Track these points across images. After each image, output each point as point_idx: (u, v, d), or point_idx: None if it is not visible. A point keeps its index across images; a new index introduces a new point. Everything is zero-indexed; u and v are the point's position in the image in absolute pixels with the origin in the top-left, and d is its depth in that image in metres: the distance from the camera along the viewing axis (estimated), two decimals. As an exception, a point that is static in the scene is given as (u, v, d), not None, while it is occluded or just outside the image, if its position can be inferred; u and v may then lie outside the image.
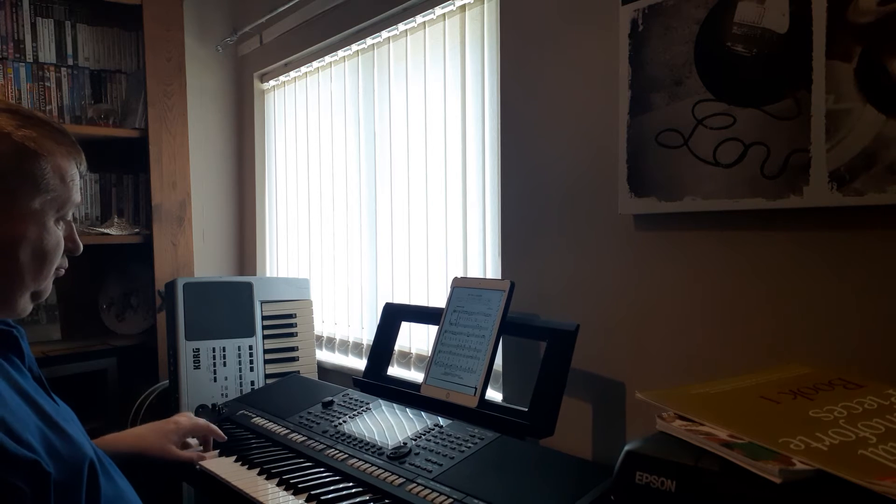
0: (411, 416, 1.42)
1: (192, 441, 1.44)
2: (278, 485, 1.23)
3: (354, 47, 2.16)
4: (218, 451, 1.44)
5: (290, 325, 2.14)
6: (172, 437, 1.37)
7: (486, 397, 1.39)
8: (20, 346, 0.97)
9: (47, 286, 1.00)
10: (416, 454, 1.24)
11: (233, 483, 1.26)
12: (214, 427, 1.45)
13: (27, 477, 0.82)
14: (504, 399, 1.58)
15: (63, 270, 1.03)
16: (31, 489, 0.82)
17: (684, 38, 1.18)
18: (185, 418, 1.46)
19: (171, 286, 2.02)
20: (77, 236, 1.04)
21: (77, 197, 1.01)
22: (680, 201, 1.20)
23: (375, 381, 1.62)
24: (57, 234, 0.99)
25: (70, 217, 1.02)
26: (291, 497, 1.18)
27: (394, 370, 1.91)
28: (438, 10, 1.82)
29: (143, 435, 1.37)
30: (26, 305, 0.99)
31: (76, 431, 0.95)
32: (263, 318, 2.10)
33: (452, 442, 1.26)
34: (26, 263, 0.95)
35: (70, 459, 0.89)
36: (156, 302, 2.37)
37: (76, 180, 1.00)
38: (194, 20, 2.68)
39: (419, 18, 1.89)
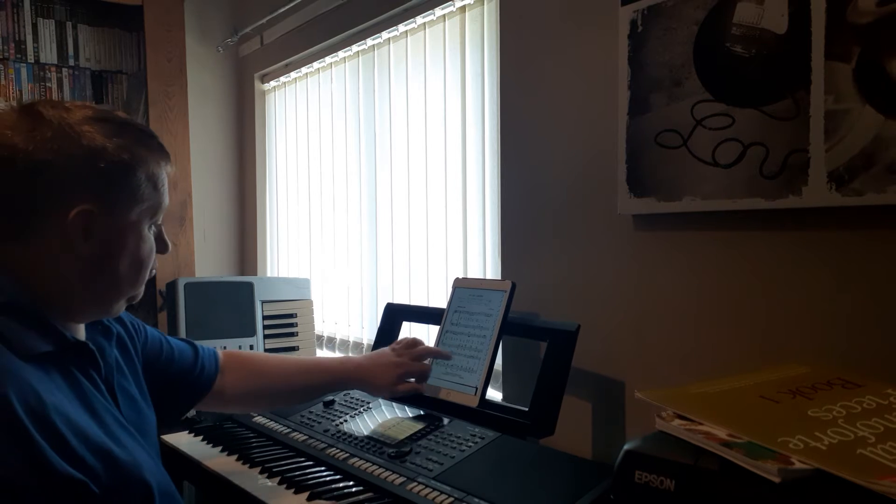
0: (412, 415, 1.43)
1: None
2: (279, 483, 1.23)
3: (355, 48, 2.17)
4: (220, 447, 1.44)
5: (291, 325, 2.14)
6: (402, 380, 1.40)
7: (487, 397, 1.39)
8: (96, 358, 0.95)
9: (142, 290, 1.01)
10: (417, 453, 1.25)
11: (234, 481, 1.26)
12: (427, 369, 1.44)
13: (73, 499, 0.80)
14: (504, 399, 1.59)
15: (155, 271, 1.03)
16: None
17: (683, 38, 1.18)
18: (408, 358, 1.43)
19: (171, 286, 2.02)
20: (166, 236, 1.03)
21: (167, 201, 1.01)
22: (679, 201, 1.20)
23: (376, 381, 1.62)
24: (151, 240, 0.99)
25: (161, 220, 1.02)
26: (292, 495, 1.18)
27: (394, 370, 1.91)
28: (438, 11, 1.83)
29: (371, 372, 1.39)
30: (121, 308, 1.00)
31: (141, 453, 0.93)
32: (264, 317, 2.10)
33: (453, 441, 1.26)
34: (125, 273, 0.95)
35: (129, 479, 0.87)
36: (157, 302, 2.37)
37: (166, 184, 1.00)
38: (195, 21, 2.68)
39: (419, 19, 1.89)
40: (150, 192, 0.96)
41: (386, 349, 1.47)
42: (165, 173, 1.00)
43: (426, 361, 1.46)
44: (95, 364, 0.95)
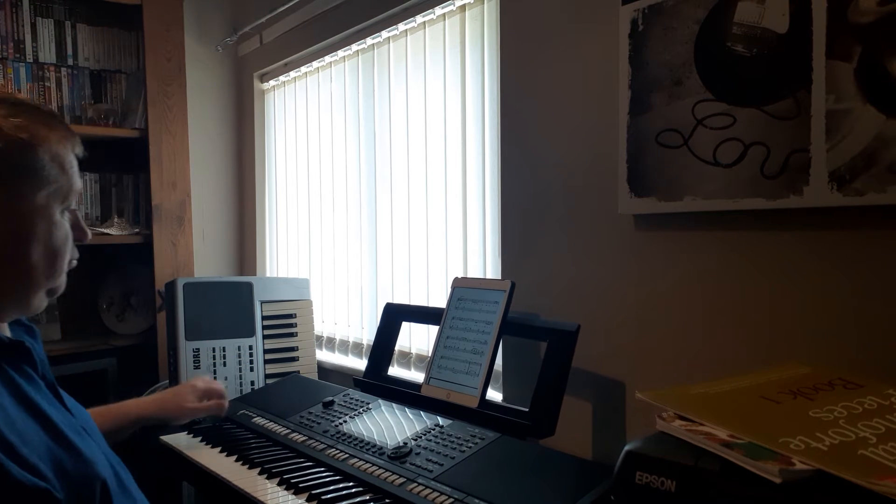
0: (412, 416, 1.42)
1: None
2: (279, 484, 1.23)
3: (354, 47, 2.16)
4: (219, 448, 1.44)
5: (290, 325, 2.14)
6: (190, 397, 1.46)
7: (487, 397, 1.39)
8: (32, 356, 0.93)
9: (62, 281, 0.97)
10: (417, 454, 1.25)
11: (233, 482, 1.26)
12: (225, 396, 1.53)
13: None
14: (504, 399, 1.58)
15: (75, 262, 0.99)
16: None
17: (684, 38, 1.18)
18: (202, 381, 1.52)
19: (171, 286, 2.02)
20: (83, 223, 0.99)
21: (78, 184, 0.97)
22: (680, 201, 1.20)
23: (376, 381, 1.62)
24: (65, 226, 0.95)
25: (74, 205, 0.98)
26: (292, 496, 1.18)
27: (394, 370, 1.91)
28: (438, 10, 1.83)
29: (162, 398, 1.46)
30: (41, 303, 0.96)
31: (90, 447, 0.91)
32: (263, 318, 2.10)
33: (453, 442, 1.26)
34: (38, 262, 0.91)
35: (80, 480, 0.85)
36: (156, 302, 2.37)
37: (75, 166, 0.96)
38: (194, 20, 2.68)
39: (419, 18, 1.89)
40: (56, 173, 0.92)
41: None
42: (73, 155, 0.96)
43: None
44: (32, 362, 0.93)
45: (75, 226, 0.98)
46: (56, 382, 0.98)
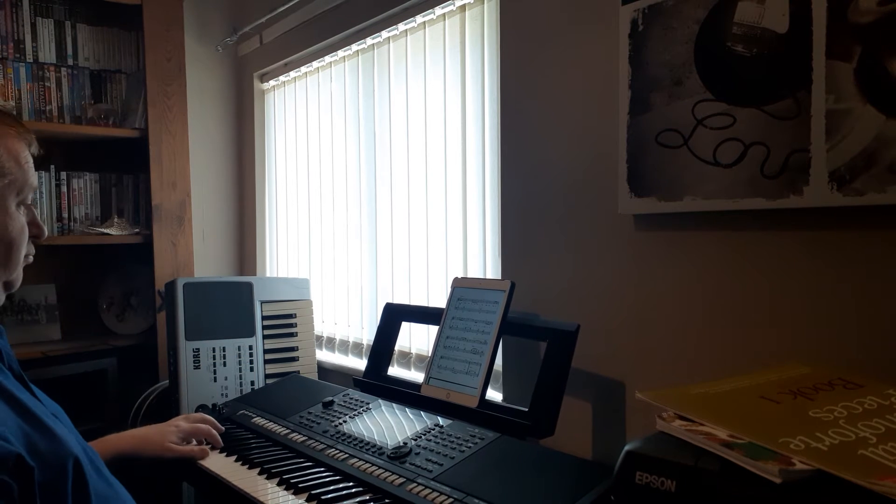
0: (411, 416, 1.42)
1: (193, 443, 1.45)
2: (279, 484, 1.23)
3: (354, 47, 2.16)
4: (218, 449, 1.44)
5: (290, 325, 2.14)
6: (172, 437, 1.40)
7: (487, 397, 1.39)
8: None
9: (18, 275, 0.99)
10: (417, 454, 1.25)
11: (233, 483, 1.26)
12: (214, 433, 1.46)
13: (12, 472, 0.79)
14: (504, 399, 1.58)
15: (31, 257, 1.02)
16: (17, 485, 0.79)
17: (684, 37, 1.18)
18: (185, 421, 1.47)
19: (171, 286, 2.02)
20: (40, 220, 1.02)
21: (34, 180, 1.00)
22: (680, 201, 1.20)
23: (376, 381, 1.62)
24: (20, 219, 0.97)
25: (30, 201, 1.01)
26: (291, 496, 1.18)
27: (394, 370, 1.91)
28: (438, 10, 1.83)
29: (144, 434, 1.40)
30: None
31: (61, 428, 0.92)
32: (263, 318, 2.10)
33: (453, 442, 1.26)
34: None
35: (52, 457, 0.86)
36: (156, 302, 2.37)
37: (30, 162, 0.99)
38: (194, 20, 2.68)
39: (419, 18, 1.89)
40: (12, 166, 0.95)
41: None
42: (29, 152, 0.99)
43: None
44: None
45: (32, 222, 1.01)
46: (24, 375, 0.99)
